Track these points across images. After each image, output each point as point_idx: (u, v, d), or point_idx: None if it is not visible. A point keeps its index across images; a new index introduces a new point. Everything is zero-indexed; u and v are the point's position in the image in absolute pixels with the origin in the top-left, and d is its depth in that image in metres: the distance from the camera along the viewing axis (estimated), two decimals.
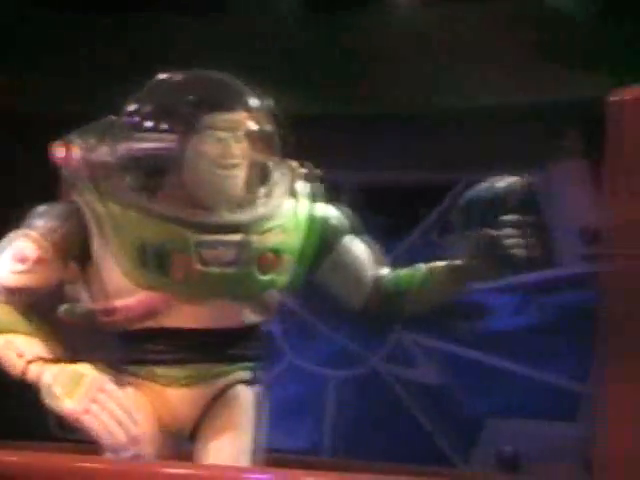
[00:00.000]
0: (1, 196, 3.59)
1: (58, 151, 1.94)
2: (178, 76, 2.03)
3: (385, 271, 2.10)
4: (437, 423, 4.16)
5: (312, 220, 2.06)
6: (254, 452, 2.01)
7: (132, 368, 1.99)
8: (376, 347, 4.11)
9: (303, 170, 2.08)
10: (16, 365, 1.88)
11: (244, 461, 1.99)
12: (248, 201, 1.97)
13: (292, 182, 2.06)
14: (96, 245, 1.95)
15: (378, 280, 2.09)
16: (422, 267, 2.08)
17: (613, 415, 2.12)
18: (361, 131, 3.87)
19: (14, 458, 1.63)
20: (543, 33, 3.32)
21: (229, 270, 1.94)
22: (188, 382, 1.99)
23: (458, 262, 2.04)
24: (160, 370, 1.98)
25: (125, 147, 1.97)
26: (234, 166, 1.95)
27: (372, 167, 4.01)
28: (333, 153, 3.65)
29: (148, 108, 1.98)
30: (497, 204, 1.99)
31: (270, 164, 2.01)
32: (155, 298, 1.95)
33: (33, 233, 1.95)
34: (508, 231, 1.99)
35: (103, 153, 1.98)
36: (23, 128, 3.94)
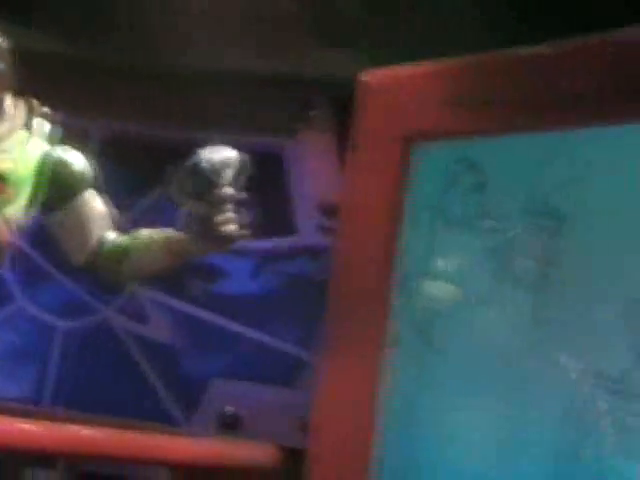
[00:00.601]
0: None
1: None
2: None
3: (112, 233, 2.07)
4: (164, 380, 4.17)
5: (49, 162, 2.01)
6: None
7: None
8: (110, 299, 4.07)
9: (44, 110, 2.03)
10: None
11: None
12: None
13: (29, 118, 2.01)
14: None
15: (102, 242, 2.06)
16: (143, 234, 2.06)
17: (330, 383, 2.20)
18: (110, 80, 3.79)
19: None
20: (305, 7, 3.37)
21: None
22: None
23: (175, 233, 2.03)
24: None
25: None
26: None
27: (120, 117, 3.95)
28: (79, 99, 3.57)
29: None
30: (211, 178, 1.98)
31: (2, 97, 1.96)
32: None
33: None
34: (220, 207, 1.98)
35: None
36: None
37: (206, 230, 1.94)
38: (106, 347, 4.19)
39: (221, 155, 1.96)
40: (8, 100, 1.98)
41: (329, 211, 3.39)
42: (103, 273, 2.07)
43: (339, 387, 2.18)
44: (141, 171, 3.97)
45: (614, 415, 1.83)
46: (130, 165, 3.94)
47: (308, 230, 3.74)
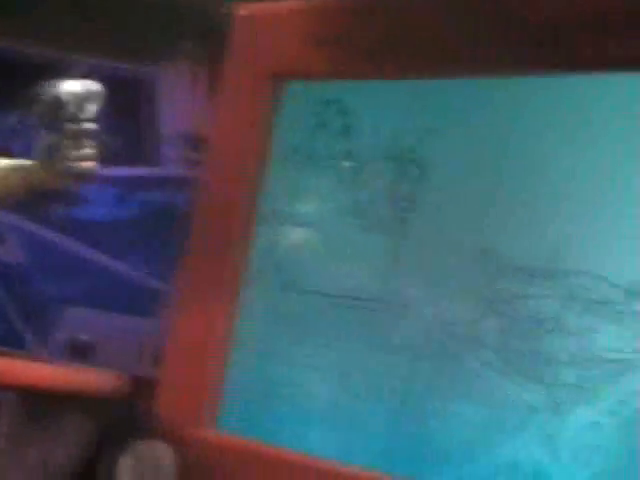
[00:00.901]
0: None
1: None
2: None
3: None
4: (16, 304, 4.10)
5: None
6: None
7: None
8: None
9: None
10: None
11: None
12: None
13: None
14: None
15: None
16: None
17: (184, 315, 2.20)
18: None
19: None
20: None
21: None
22: None
23: (31, 163, 1.98)
24: None
25: None
26: None
27: None
28: None
29: None
30: (71, 111, 1.93)
31: None
32: None
33: None
34: (77, 142, 1.94)
35: None
36: None
37: (61, 163, 1.90)
38: None
39: (83, 87, 1.91)
40: None
41: (196, 143, 3.37)
42: None
43: (193, 319, 2.19)
44: (2, 91, 3.86)
45: (462, 361, 1.88)
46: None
47: (173, 161, 3.71)
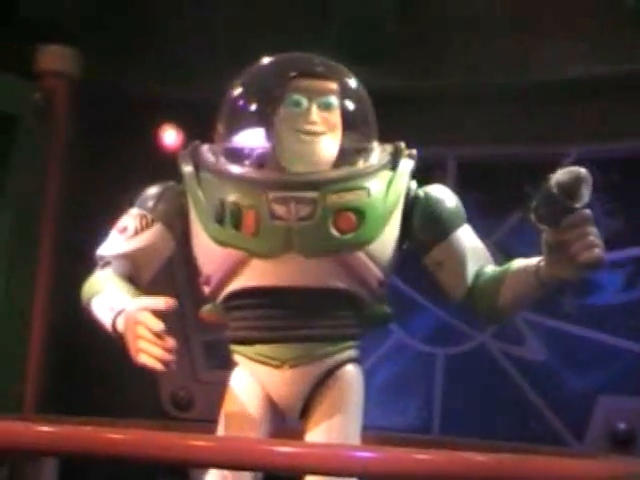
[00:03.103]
0: (112, 183, 3.60)
1: (168, 135, 2.04)
2: (274, 57, 2.07)
3: (487, 266, 2.02)
4: (548, 401, 4.10)
5: (420, 201, 2.01)
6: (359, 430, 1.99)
7: (241, 349, 2.00)
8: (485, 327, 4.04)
9: (409, 151, 2.05)
10: (107, 319, 1.93)
11: (354, 439, 1.97)
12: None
13: (395, 159, 2.03)
14: (192, 216, 2.02)
15: (478, 276, 2.01)
16: (515, 264, 1.98)
17: None
18: (454, 105, 3.79)
19: (121, 435, 1.66)
20: None
21: (301, 224, 1.94)
22: (296, 362, 1.98)
23: (540, 260, 1.93)
24: (267, 350, 1.97)
25: (224, 128, 2.02)
26: (315, 134, 1.96)
27: (470, 141, 3.92)
28: (431, 130, 3.59)
29: (246, 89, 2.04)
30: (565, 204, 1.87)
31: (369, 145, 2.01)
32: (233, 255, 1.97)
33: (136, 210, 2.06)
34: (579, 232, 1.87)
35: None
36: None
37: (568, 257, 1.85)
38: (485, 372, 4.16)
39: (572, 177, 1.86)
40: (375, 143, 2.02)
41: None
42: (479, 306, 2.03)
43: None
44: (498, 194, 3.92)
45: None
46: (487, 188, 3.90)
47: None
